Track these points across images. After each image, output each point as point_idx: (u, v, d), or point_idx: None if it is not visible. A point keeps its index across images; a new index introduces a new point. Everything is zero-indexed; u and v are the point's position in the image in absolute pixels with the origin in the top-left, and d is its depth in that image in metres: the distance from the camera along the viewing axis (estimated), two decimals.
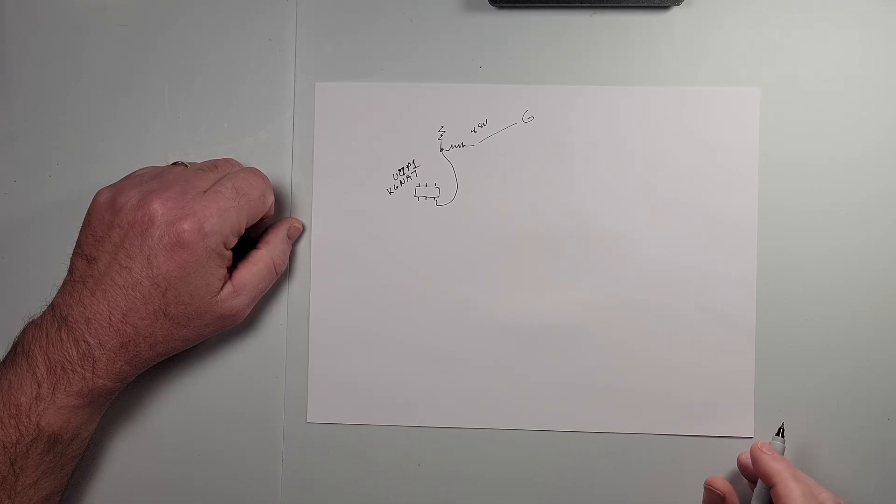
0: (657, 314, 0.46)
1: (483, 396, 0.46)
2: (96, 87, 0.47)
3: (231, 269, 0.43)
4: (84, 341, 0.39)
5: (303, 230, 0.47)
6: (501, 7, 0.46)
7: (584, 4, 0.46)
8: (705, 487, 0.45)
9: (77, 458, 0.43)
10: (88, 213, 0.41)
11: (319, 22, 0.47)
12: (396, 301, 0.47)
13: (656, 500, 0.46)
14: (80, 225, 0.42)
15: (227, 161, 0.45)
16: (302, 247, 0.47)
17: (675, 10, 0.46)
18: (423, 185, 0.47)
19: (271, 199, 0.44)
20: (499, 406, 0.46)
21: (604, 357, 0.46)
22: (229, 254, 0.42)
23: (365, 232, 0.47)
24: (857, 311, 0.46)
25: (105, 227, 0.40)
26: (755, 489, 0.43)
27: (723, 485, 0.44)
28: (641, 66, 0.46)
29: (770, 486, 0.41)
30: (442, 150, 0.47)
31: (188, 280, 0.40)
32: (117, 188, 0.41)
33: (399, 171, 0.47)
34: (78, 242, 0.42)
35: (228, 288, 0.42)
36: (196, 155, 0.47)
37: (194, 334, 0.42)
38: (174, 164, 0.45)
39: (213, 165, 0.44)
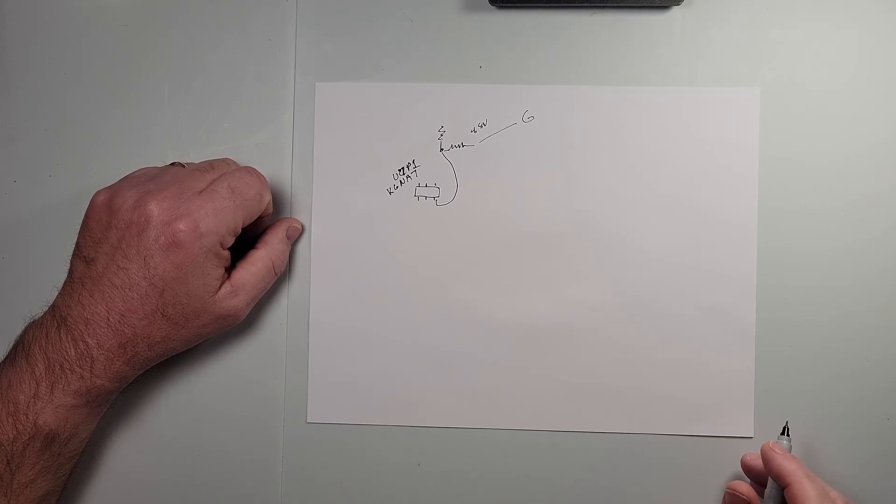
0: (657, 314, 0.46)
1: (483, 396, 0.46)
2: (96, 87, 0.47)
3: (230, 270, 0.43)
4: (82, 341, 0.40)
5: (302, 231, 0.47)
6: (501, 7, 0.46)
7: (584, 4, 0.46)
8: (728, 491, 0.44)
9: (75, 458, 0.43)
10: (86, 215, 0.42)
11: (319, 22, 0.47)
12: (396, 301, 0.47)
13: (656, 500, 0.46)
14: (79, 225, 0.42)
15: (224, 161, 0.45)
16: (302, 247, 0.47)
17: (675, 10, 0.46)
18: (423, 185, 0.47)
19: (268, 197, 0.44)
20: (499, 406, 0.46)
21: (604, 357, 0.46)
22: (226, 254, 0.42)
23: (365, 232, 0.47)
24: (857, 311, 0.46)
25: (102, 228, 0.41)
26: (766, 490, 0.42)
27: (747, 490, 0.44)
28: (641, 66, 0.46)
29: (784, 486, 0.41)
30: (442, 150, 0.47)
31: (185, 280, 0.40)
32: (114, 189, 0.41)
33: (399, 171, 0.47)
34: (77, 244, 0.42)
35: (227, 288, 0.42)
36: (196, 155, 0.47)
37: (193, 334, 0.42)
38: (172, 164, 0.45)
39: (209, 166, 0.44)
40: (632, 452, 0.46)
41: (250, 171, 0.44)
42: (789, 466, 0.41)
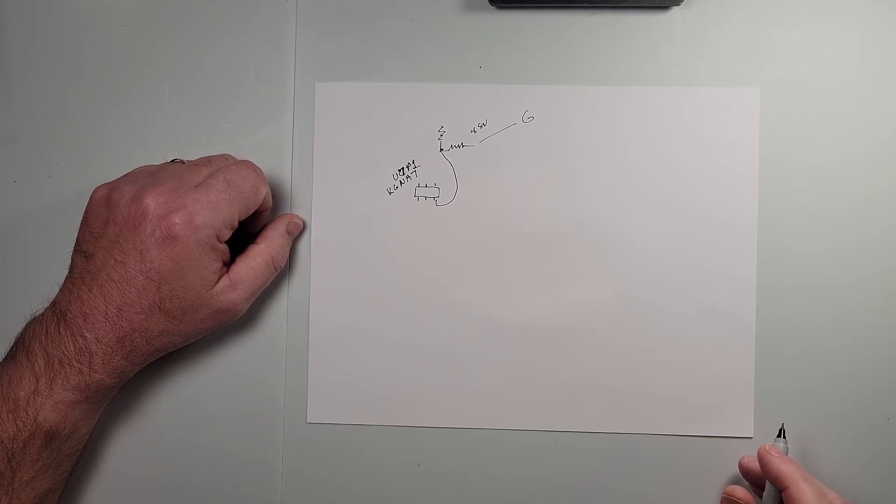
0: (657, 314, 0.46)
1: (483, 396, 0.46)
2: (96, 87, 0.47)
3: (230, 264, 0.43)
4: (81, 336, 0.40)
5: (303, 226, 0.47)
6: (501, 7, 0.46)
7: (584, 4, 0.46)
8: (724, 498, 0.44)
9: (75, 455, 0.43)
10: (86, 211, 0.42)
11: (319, 22, 0.47)
12: (396, 301, 0.47)
13: (656, 501, 0.46)
14: (79, 224, 0.42)
15: (223, 156, 0.45)
16: (302, 247, 0.47)
17: (675, 10, 0.46)
18: (423, 185, 0.47)
19: (264, 190, 0.44)
20: (499, 406, 0.46)
21: (604, 357, 0.46)
22: (223, 247, 0.42)
23: (365, 232, 0.47)
24: (857, 311, 0.46)
25: (101, 223, 0.41)
26: (764, 494, 0.42)
27: (744, 495, 0.44)
28: (641, 66, 0.46)
29: (781, 489, 0.41)
30: (442, 150, 0.47)
31: (182, 274, 0.40)
32: (113, 185, 0.42)
33: (399, 171, 0.47)
34: (77, 240, 0.42)
35: (225, 281, 0.42)
36: (196, 155, 0.46)
37: (191, 329, 0.42)
38: (172, 161, 0.45)
39: (207, 161, 0.44)
40: (632, 452, 0.46)
41: (246, 164, 0.44)
42: (786, 469, 0.41)
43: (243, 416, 0.47)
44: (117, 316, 0.40)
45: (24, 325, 0.42)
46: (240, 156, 0.46)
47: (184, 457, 0.47)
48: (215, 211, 0.41)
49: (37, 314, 0.42)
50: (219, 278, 0.42)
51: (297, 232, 0.46)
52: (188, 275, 0.40)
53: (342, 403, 0.47)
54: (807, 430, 0.46)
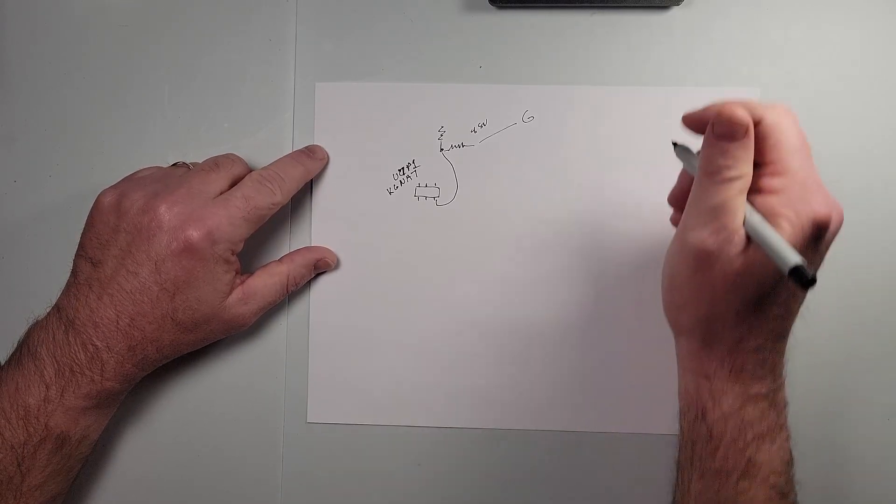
0: (658, 314, 0.46)
1: (483, 396, 0.46)
2: (96, 87, 0.47)
3: (245, 275, 0.43)
4: (92, 344, 0.39)
5: (333, 267, 0.46)
6: (501, 7, 0.46)
7: (584, 4, 0.46)
8: (718, 118, 0.34)
9: (83, 459, 0.42)
10: (91, 216, 0.41)
11: (319, 22, 0.47)
12: (396, 301, 0.47)
13: (656, 500, 0.46)
14: (80, 225, 0.42)
15: (228, 158, 0.44)
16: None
17: (675, 10, 0.46)
18: (423, 185, 0.47)
19: (284, 202, 0.43)
20: (499, 406, 0.46)
21: (604, 357, 0.46)
22: (235, 258, 0.42)
23: (365, 232, 0.47)
24: (857, 311, 0.46)
25: (110, 230, 0.40)
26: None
27: (743, 115, 0.34)
28: (641, 66, 0.46)
29: (756, 122, 0.32)
30: (442, 150, 0.47)
31: (196, 285, 0.40)
32: (121, 191, 0.41)
33: (399, 171, 0.47)
34: (81, 244, 0.41)
35: (238, 293, 0.42)
36: (196, 155, 0.47)
37: (200, 338, 0.42)
38: (175, 164, 0.45)
39: (214, 164, 0.43)
40: (632, 452, 0.46)
41: (264, 182, 0.43)
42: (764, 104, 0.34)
43: (243, 416, 0.47)
44: (129, 325, 0.40)
45: (25, 327, 0.42)
46: (240, 155, 0.46)
47: (184, 457, 0.47)
48: (233, 226, 0.41)
49: (39, 318, 0.41)
50: (231, 290, 0.42)
51: (325, 270, 0.46)
52: (202, 287, 0.40)
53: (342, 403, 0.47)
54: (807, 430, 0.46)
